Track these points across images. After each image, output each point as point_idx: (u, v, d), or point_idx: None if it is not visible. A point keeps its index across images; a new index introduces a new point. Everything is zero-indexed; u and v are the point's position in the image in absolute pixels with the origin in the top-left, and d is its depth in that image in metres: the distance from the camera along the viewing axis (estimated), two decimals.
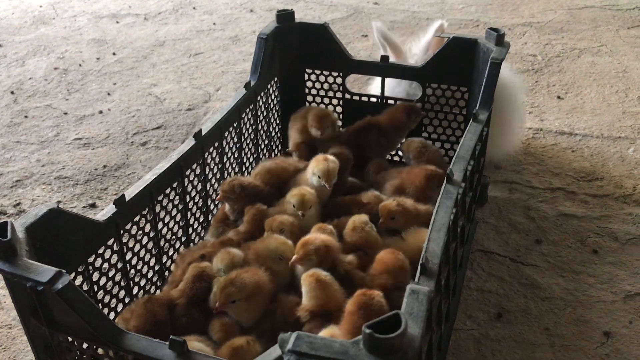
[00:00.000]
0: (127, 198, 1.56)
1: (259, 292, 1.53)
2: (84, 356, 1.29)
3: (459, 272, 1.83)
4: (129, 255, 1.63)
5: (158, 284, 1.79)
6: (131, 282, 1.66)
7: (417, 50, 2.44)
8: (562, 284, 1.99)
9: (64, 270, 1.15)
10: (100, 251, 1.52)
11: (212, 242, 1.82)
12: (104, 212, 1.52)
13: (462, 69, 2.21)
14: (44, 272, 1.14)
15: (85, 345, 1.26)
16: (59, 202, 2.46)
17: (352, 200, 1.96)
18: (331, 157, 1.90)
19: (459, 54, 2.20)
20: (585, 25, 3.98)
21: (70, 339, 1.27)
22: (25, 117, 3.13)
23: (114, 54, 3.81)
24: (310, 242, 1.59)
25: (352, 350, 0.96)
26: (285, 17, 2.30)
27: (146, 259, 1.71)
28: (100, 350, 1.26)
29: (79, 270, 1.47)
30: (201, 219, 1.98)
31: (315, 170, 1.86)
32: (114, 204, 1.53)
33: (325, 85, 2.42)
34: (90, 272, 1.50)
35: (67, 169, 2.69)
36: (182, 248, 1.89)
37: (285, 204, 1.86)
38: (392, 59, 2.35)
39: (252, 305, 1.52)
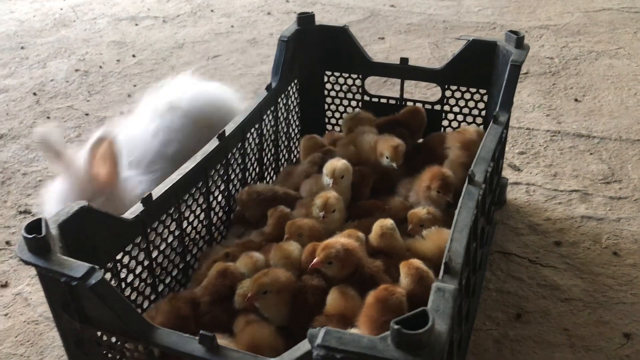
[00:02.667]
0: (154, 197, 1.59)
1: (289, 287, 1.56)
2: (114, 351, 1.32)
3: (478, 273, 1.85)
4: (155, 253, 1.66)
5: (182, 282, 1.82)
6: (157, 279, 1.69)
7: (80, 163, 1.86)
8: (582, 286, 2.00)
9: (96, 267, 1.18)
10: (128, 249, 1.55)
11: (235, 242, 1.85)
12: (132, 210, 1.55)
13: (481, 72, 2.22)
14: (78, 267, 1.17)
15: (115, 340, 1.29)
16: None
17: (374, 204, 1.99)
18: (397, 140, 2.06)
19: (478, 56, 2.21)
20: (603, 27, 3.97)
21: (100, 333, 1.30)
22: (48, 118, 3.18)
23: (133, 56, 3.86)
24: (331, 246, 1.61)
25: (380, 346, 0.98)
26: (305, 19, 2.33)
27: (171, 257, 1.75)
28: (129, 345, 1.29)
29: (108, 267, 1.50)
30: (224, 219, 2.01)
31: (385, 151, 2.03)
32: (141, 202, 1.56)
33: (345, 87, 2.45)
34: (119, 269, 1.53)
35: None
36: (205, 247, 1.92)
37: (310, 206, 1.89)
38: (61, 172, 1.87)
39: (282, 299, 1.54)
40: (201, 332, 1.16)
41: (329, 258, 1.59)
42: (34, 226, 1.22)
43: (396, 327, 0.97)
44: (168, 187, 1.64)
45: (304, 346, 1.04)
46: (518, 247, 2.17)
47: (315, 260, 1.60)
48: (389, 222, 1.75)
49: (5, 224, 2.41)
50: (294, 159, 2.50)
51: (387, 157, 2.03)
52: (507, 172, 2.54)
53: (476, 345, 1.80)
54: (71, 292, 1.21)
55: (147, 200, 1.57)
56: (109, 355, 1.34)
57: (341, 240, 1.65)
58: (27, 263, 1.20)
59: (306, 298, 1.59)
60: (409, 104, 2.38)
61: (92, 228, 1.40)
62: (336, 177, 1.94)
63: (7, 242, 2.31)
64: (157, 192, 1.61)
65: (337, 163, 1.96)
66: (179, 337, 1.19)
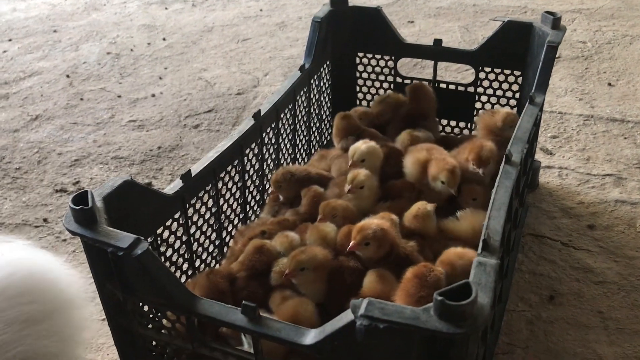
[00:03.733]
0: (193, 174, 1.62)
1: (326, 264, 1.58)
2: (156, 321, 1.35)
3: (511, 255, 1.84)
4: (192, 229, 1.69)
5: (218, 258, 1.85)
6: (194, 255, 1.72)
7: None
8: (615, 269, 1.98)
9: (142, 237, 1.20)
10: (168, 224, 1.58)
11: (271, 220, 1.87)
12: (172, 186, 1.58)
13: (516, 53, 2.20)
14: (124, 238, 1.20)
15: (157, 310, 1.32)
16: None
17: (404, 184, 1.99)
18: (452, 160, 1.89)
19: (513, 37, 2.19)
20: (637, 11, 3.90)
21: (142, 304, 1.33)
22: (81, 99, 3.23)
23: (164, 39, 3.89)
24: (366, 227, 1.61)
25: (423, 317, 1.00)
26: (339, 0, 2.32)
27: (208, 233, 1.77)
28: (171, 315, 1.32)
29: (149, 241, 1.53)
30: (257, 197, 2.03)
31: (440, 175, 1.83)
32: (180, 178, 1.59)
33: (377, 69, 2.44)
34: (159, 243, 1.56)
35: (123, 149, 2.78)
36: (239, 225, 1.94)
37: (342, 185, 1.90)
38: None
39: (319, 276, 1.56)
40: (244, 302, 1.18)
41: (365, 239, 1.59)
42: (81, 198, 1.25)
43: (439, 298, 0.98)
44: (206, 164, 1.67)
45: (346, 316, 1.05)
46: (551, 230, 2.16)
47: (352, 243, 1.60)
48: (427, 205, 1.75)
49: (43, 202, 2.47)
50: (325, 141, 2.51)
51: (442, 182, 1.83)
52: (539, 156, 2.52)
53: (509, 326, 1.80)
54: (116, 262, 1.24)
55: (186, 177, 1.60)
56: (151, 325, 1.37)
57: (375, 221, 1.66)
58: (74, 234, 1.23)
59: (343, 277, 1.60)
60: (442, 85, 2.37)
61: (134, 202, 1.43)
62: (355, 161, 1.93)
63: (45, 220, 2.36)
64: (195, 169, 1.64)
65: (359, 145, 1.95)
66: (221, 308, 1.21)
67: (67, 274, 1.44)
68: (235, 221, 1.93)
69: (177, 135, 2.86)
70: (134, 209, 1.43)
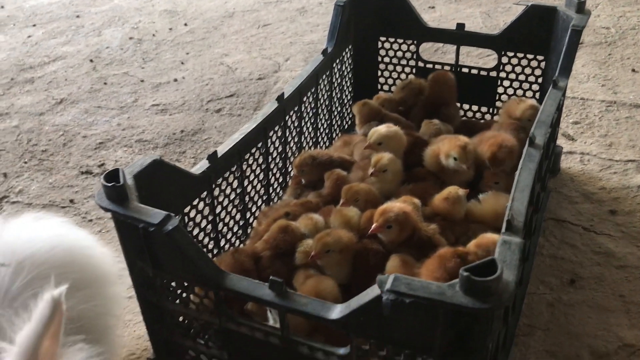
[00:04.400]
0: (219, 154, 1.65)
1: (351, 247, 1.60)
2: (184, 296, 1.39)
3: (532, 238, 1.85)
4: (218, 209, 1.72)
5: (242, 238, 1.88)
6: (219, 234, 1.75)
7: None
8: (637, 254, 1.98)
9: (172, 214, 1.24)
10: (195, 203, 1.61)
11: (294, 202, 1.89)
12: (198, 166, 1.61)
13: (540, 38, 2.20)
14: (155, 214, 1.23)
15: (186, 285, 1.35)
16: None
17: (428, 171, 2.00)
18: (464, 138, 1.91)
19: (536, 22, 2.18)
20: None
21: (172, 279, 1.36)
22: (105, 84, 3.27)
23: (185, 24, 3.92)
24: (389, 210, 1.62)
25: (449, 292, 1.01)
26: None
27: (233, 214, 1.81)
28: (199, 291, 1.35)
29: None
30: (280, 180, 2.06)
31: (452, 152, 1.85)
32: (207, 159, 1.62)
33: (399, 54, 2.45)
34: (186, 222, 1.59)
35: (147, 132, 2.82)
36: (263, 206, 1.97)
37: (365, 168, 1.91)
38: None
39: (344, 258, 1.58)
40: (271, 277, 1.20)
41: (388, 222, 1.60)
42: (112, 175, 1.28)
43: (465, 274, 0.99)
44: (231, 146, 1.69)
45: (372, 292, 1.07)
46: (572, 214, 2.16)
47: (374, 225, 1.62)
48: (458, 190, 1.76)
49: (68, 184, 2.52)
50: (346, 126, 2.53)
51: (454, 159, 1.85)
52: (561, 142, 2.52)
53: (529, 309, 1.81)
54: (147, 238, 1.27)
55: (212, 157, 1.63)
56: (179, 300, 1.40)
57: (397, 204, 1.67)
58: (106, 210, 1.27)
59: (367, 259, 1.62)
60: (464, 70, 2.37)
61: (163, 181, 1.46)
62: (372, 143, 1.94)
63: (71, 201, 2.41)
64: (221, 150, 1.66)
65: (379, 128, 1.96)
66: (249, 283, 1.24)
67: (102, 251, 1.49)
68: (259, 203, 1.96)
69: (200, 119, 2.89)
70: (163, 188, 1.46)
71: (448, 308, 1.02)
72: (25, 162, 2.66)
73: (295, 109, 2.04)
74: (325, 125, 2.31)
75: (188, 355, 1.51)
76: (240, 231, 1.88)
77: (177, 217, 1.23)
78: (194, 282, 1.31)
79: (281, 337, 1.28)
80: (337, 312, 1.15)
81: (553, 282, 1.90)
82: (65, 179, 2.54)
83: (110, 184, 1.26)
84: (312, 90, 2.13)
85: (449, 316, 1.04)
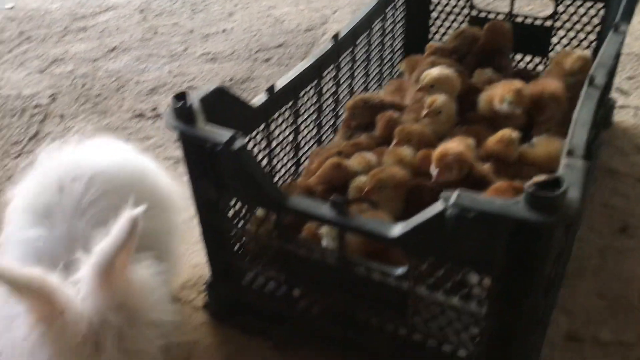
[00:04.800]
0: (276, 89, 1.67)
1: (405, 184, 1.62)
2: (245, 218, 1.43)
3: (586, 182, 1.85)
4: (273, 144, 1.76)
5: (294, 177, 1.92)
6: (273, 170, 1.80)
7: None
8: None
9: (239, 133, 1.27)
10: (253, 135, 1.65)
11: (345, 143, 1.92)
12: (257, 99, 1.64)
13: None
14: (222, 134, 1.27)
15: (248, 207, 1.40)
16: None
17: (482, 116, 1.99)
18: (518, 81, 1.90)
19: None
20: None
21: (235, 200, 1.41)
22: (155, 33, 3.32)
23: None
24: (447, 154, 1.62)
25: (513, 207, 1.03)
26: None
27: (287, 150, 1.84)
28: (260, 213, 1.39)
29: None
30: (331, 122, 2.08)
31: (506, 94, 1.84)
32: (265, 92, 1.65)
33: (452, 1, 2.43)
34: None
35: (197, 80, 2.86)
36: (314, 147, 2.00)
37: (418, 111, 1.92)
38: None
39: (397, 195, 1.60)
40: (332, 197, 1.24)
41: (449, 166, 1.59)
42: (181, 96, 1.32)
43: (530, 189, 1.01)
44: (288, 81, 1.72)
45: (435, 207, 1.10)
46: (624, 166, 2.14)
47: (436, 173, 1.61)
48: (512, 132, 1.76)
49: (122, 126, 2.59)
50: (395, 75, 2.53)
51: (508, 102, 1.84)
52: (614, 96, 2.47)
53: (580, 253, 1.82)
54: (213, 158, 1.32)
55: (270, 91, 1.66)
56: (240, 221, 1.45)
57: (453, 145, 1.67)
58: (174, 130, 1.31)
59: (421, 196, 1.63)
60: (518, 19, 2.34)
61: (225, 110, 1.49)
62: (425, 85, 1.94)
63: (125, 142, 2.48)
64: (278, 85, 1.69)
65: (431, 71, 1.96)
66: (311, 202, 1.28)
67: (167, 176, 1.55)
68: (311, 143, 1.99)
69: (249, 69, 2.92)
70: (224, 116, 1.49)
71: (511, 223, 1.04)
72: (81, 105, 2.74)
73: (349, 50, 2.05)
74: (376, 71, 2.32)
75: (245, 278, 1.57)
76: (292, 169, 1.91)
77: (243, 137, 1.27)
78: (257, 203, 1.36)
79: (338, 258, 1.32)
80: (397, 229, 1.18)
81: (603, 229, 1.90)
82: (119, 122, 2.61)
83: (179, 104, 1.30)
84: (366, 34, 2.14)
85: (511, 232, 1.06)
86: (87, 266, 1.15)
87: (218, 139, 1.26)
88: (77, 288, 1.15)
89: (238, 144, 1.26)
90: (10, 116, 2.66)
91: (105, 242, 1.14)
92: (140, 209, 1.14)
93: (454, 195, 1.07)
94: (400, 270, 1.26)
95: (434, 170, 1.62)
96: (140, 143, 2.46)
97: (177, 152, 2.38)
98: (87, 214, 1.31)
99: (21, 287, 1.08)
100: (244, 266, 1.54)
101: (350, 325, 1.46)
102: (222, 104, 1.49)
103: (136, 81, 2.89)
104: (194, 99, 1.37)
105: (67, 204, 1.31)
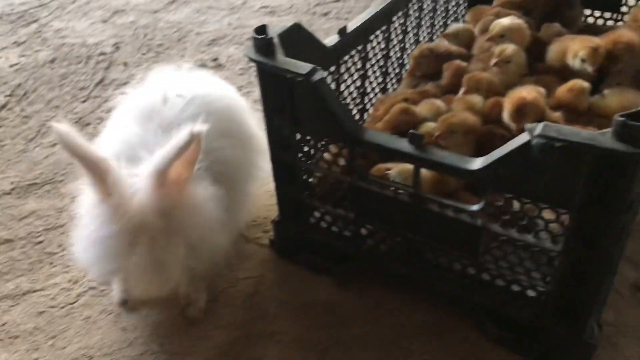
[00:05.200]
0: (348, 30, 1.68)
1: (476, 129, 1.61)
2: (318, 153, 1.46)
3: None
4: (342, 87, 1.77)
5: (360, 121, 1.94)
6: None
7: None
8: None
9: (319, 67, 1.29)
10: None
11: (411, 90, 1.92)
12: (330, 39, 1.65)
13: None
14: (302, 66, 1.29)
15: (323, 143, 1.42)
16: None
17: (550, 67, 1.96)
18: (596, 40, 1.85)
19: None
20: None
21: (309, 136, 1.43)
22: None
23: None
24: (525, 100, 1.59)
25: (600, 138, 1.03)
26: None
27: (354, 95, 1.85)
28: (334, 149, 1.41)
29: None
30: (397, 71, 2.08)
31: (580, 52, 1.80)
32: (337, 33, 1.66)
33: None
34: None
35: None
36: (379, 94, 2.01)
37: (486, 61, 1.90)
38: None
39: (468, 140, 1.59)
40: (410, 131, 1.25)
41: (526, 116, 1.57)
42: (261, 30, 1.34)
43: (620, 119, 1.00)
44: (359, 24, 1.72)
45: (520, 139, 1.10)
46: None
47: (515, 125, 1.59)
48: (582, 82, 1.73)
49: None
50: None
51: (582, 59, 1.80)
52: None
53: None
54: (291, 90, 1.34)
55: (342, 32, 1.66)
56: (313, 159, 1.48)
57: (524, 93, 1.65)
58: (255, 62, 1.34)
59: (492, 143, 1.61)
60: None
61: (300, 46, 1.50)
62: (494, 35, 1.92)
63: None
64: (350, 27, 1.70)
65: (501, 20, 1.93)
66: (388, 137, 1.30)
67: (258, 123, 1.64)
68: (376, 90, 1.99)
69: (307, 22, 2.92)
70: (299, 53, 1.50)
71: (598, 153, 1.03)
72: (143, 54, 2.79)
73: None
74: (441, 23, 2.30)
75: (313, 216, 1.60)
76: (358, 115, 1.93)
77: (323, 70, 1.29)
78: (333, 137, 1.38)
79: (412, 194, 1.34)
80: (478, 162, 1.19)
81: None
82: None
83: (260, 37, 1.32)
84: None
85: (595, 164, 1.06)
86: (146, 165, 1.25)
87: (299, 71, 1.28)
88: (133, 182, 1.25)
89: (318, 76, 1.28)
90: (76, 63, 2.73)
91: (164, 149, 1.22)
92: (203, 127, 1.22)
93: (539, 126, 1.07)
94: (476, 207, 1.27)
95: (507, 118, 1.62)
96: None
97: None
98: (181, 127, 1.36)
99: (87, 162, 1.21)
100: (313, 204, 1.57)
101: (417, 264, 1.48)
102: (298, 40, 1.50)
103: (196, 32, 2.93)
104: (274, 33, 1.39)
105: (167, 114, 1.43)
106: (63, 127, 1.20)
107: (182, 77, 1.64)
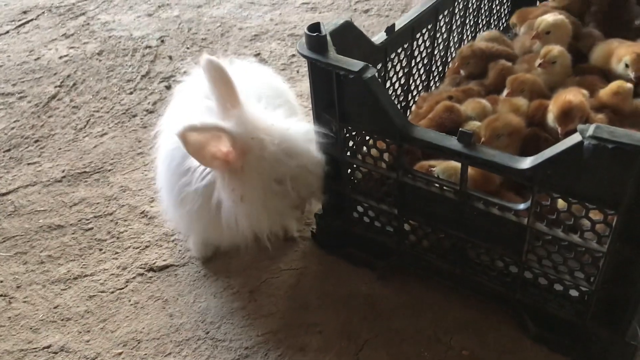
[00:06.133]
0: (396, 28, 1.70)
1: (521, 131, 1.62)
2: (365, 149, 1.48)
3: None
4: (387, 84, 1.80)
5: None
6: None
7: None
8: None
9: (370, 65, 1.32)
10: None
11: (455, 88, 1.93)
12: (378, 37, 1.68)
13: None
14: (355, 63, 1.32)
15: (370, 138, 1.45)
16: None
17: (594, 67, 1.96)
18: None
19: None
20: None
21: (357, 132, 1.46)
22: None
23: None
24: (572, 104, 1.60)
25: None
26: None
27: (398, 92, 1.88)
28: (380, 145, 1.44)
29: None
30: (440, 69, 2.10)
31: (626, 57, 1.82)
32: (385, 32, 1.68)
33: None
34: None
35: (298, 28, 2.92)
36: (422, 92, 2.03)
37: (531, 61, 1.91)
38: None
39: (513, 142, 1.61)
40: (460, 129, 1.27)
41: (573, 119, 1.58)
42: (315, 27, 1.38)
43: None
44: (407, 22, 1.74)
45: (572, 139, 1.11)
46: None
47: (561, 128, 1.60)
48: (627, 84, 1.73)
49: None
50: (501, 28, 2.50)
51: (626, 64, 1.81)
52: None
53: None
54: (342, 87, 1.37)
55: (390, 30, 1.69)
56: (359, 155, 1.51)
57: (570, 97, 1.64)
58: (308, 58, 1.37)
59: (537, 145, 1.63)
60: None
61: (351, 44, 1.53)
62: (540, 32, 1.92)
63: None
64: (398, 25, 1.72)
65: (546, 17, 1.94)
66: (437, 134, 1.32)
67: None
68: (420, 87, 2.01)
69: (348, 19, 2.94)
70: (349, 50, 1.54)
71: None
72: (188, 48, 2.85)
73: None
74: (484, 22, 2.31)
75: (356, 211, 1.63)
76: (402, 111, 1.95)
77: (374, 68, 1.31)
78: (380, 134, 1.40)
79: (458, 192, 1.36)
80: (527, 162, 1.20)
81: None
82: None
83: (314, 34, 1.35)
84: None
85: None
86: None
87: (351, 68, 1.31)
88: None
89: (370, 73, 1.31)
90: (122, 55, 2.80)
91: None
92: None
93: (591, 128, 1.08)
94: (522, 206, 1.29)
95: (552, 121, 1.63)
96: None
97: None
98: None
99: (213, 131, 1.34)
100: (357, 199, 1.60)
101: (459, 260, 1.50)
102: (349, 37, 1.53)
103: (239, 27, 2.98)
104: (326, 31, 1.42)
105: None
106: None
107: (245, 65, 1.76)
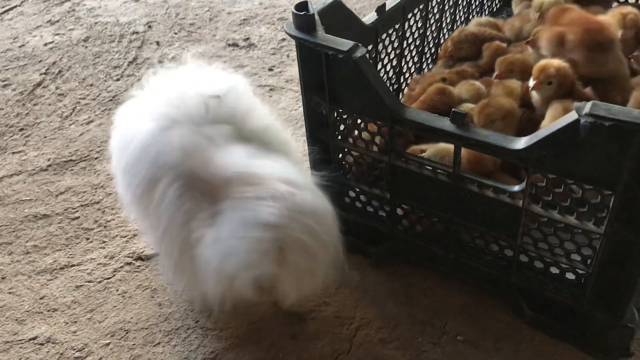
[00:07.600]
0: (387, 8, 1.66)
1: (514, 113, 1.59)
2: (356, 132, 1.45)
3: None
4: (379, 66, 1.76)
5: None
6: None
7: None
8: None
9: (360, 44, 1.28)
10: None
11: (449, 70, 1.90)
12: (368, 17, 1.64)
13: None
14: (344, 43, 1.28)
15: (361, 121, 1.41)
16: None
17: None
18: None
19: None
20: None
21: (348, 115, 1.43)
22: None
23: None
24: (548, 66, 1.59)
25: None
26: None
27: (390, 74, 1.84)
28: (372, 128, 1.40)
29: None
30: (432, 51, 2.06)
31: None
32: (376, 11, 1.64)
33: None
34: None
35: (288, 11, 2.87)
36: (414, 74, 1.99)
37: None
38: None
39: (508, 125, 1.57)
40: (453, 109, 1.24)
41: (549, 77, 1.58)
42: (302, 6, 1.33)
43: None
44: (398, 1, 1.70)
45: (569, 117, 1.08)
46: None
47: (534, 82, 1.60)
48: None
49: (217, 54, 2.63)
50: (495, 9, 2.46)
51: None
52: None
53: None
54: (331, 68, 1.33)
55: (380, 10, 1.65)
56: (350, 137, 1.47)
57: (554, 61, 1.63)
58: (295, 38, 1.33)
59: (534, 127, 1.60)
60: None
61: (340, 23, 1.48)
62: (543, 11, 1.89)
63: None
64: (388, 4, 1.68)
65: None
66: (429, 115, 1.28)
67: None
68: (412, 69, 1.97)
69: None
70: (338, 29, 1.49)
71: None
72: (175, 33, 2.80)
73: None
74: (477, 2, 2.26)
75: (348, 196, 1.60)
76: (394, 94, 1.91)
77: (364, 47, 1.28)
78: (371, 116, 1.36)
79: (452, 174, 1.33)
80: (522, 142, 1.17)
81: None
82: (214, 50, 2.66)
83: (301, 13, 1.31)
84: None
85: None
86: None
87: (340, 47, 1.27)
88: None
89: (359, 52, 1.27)
90: (109, 42, 2.75)
91: None
92: None
93: (588, 105, 1.05)
94: (517, 187, 1.26)
95: (531, 82, 1.59)
96: (234, 71, 2.50)
97: (271, 80, 2.42)
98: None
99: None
100: (347, 184, 1.56)
101: (453, 244, 1.47)
102: (338, 17, 1.49)
103: (228, 12, 2.93)
104: (314, 10, 1.38)
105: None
106: None
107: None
